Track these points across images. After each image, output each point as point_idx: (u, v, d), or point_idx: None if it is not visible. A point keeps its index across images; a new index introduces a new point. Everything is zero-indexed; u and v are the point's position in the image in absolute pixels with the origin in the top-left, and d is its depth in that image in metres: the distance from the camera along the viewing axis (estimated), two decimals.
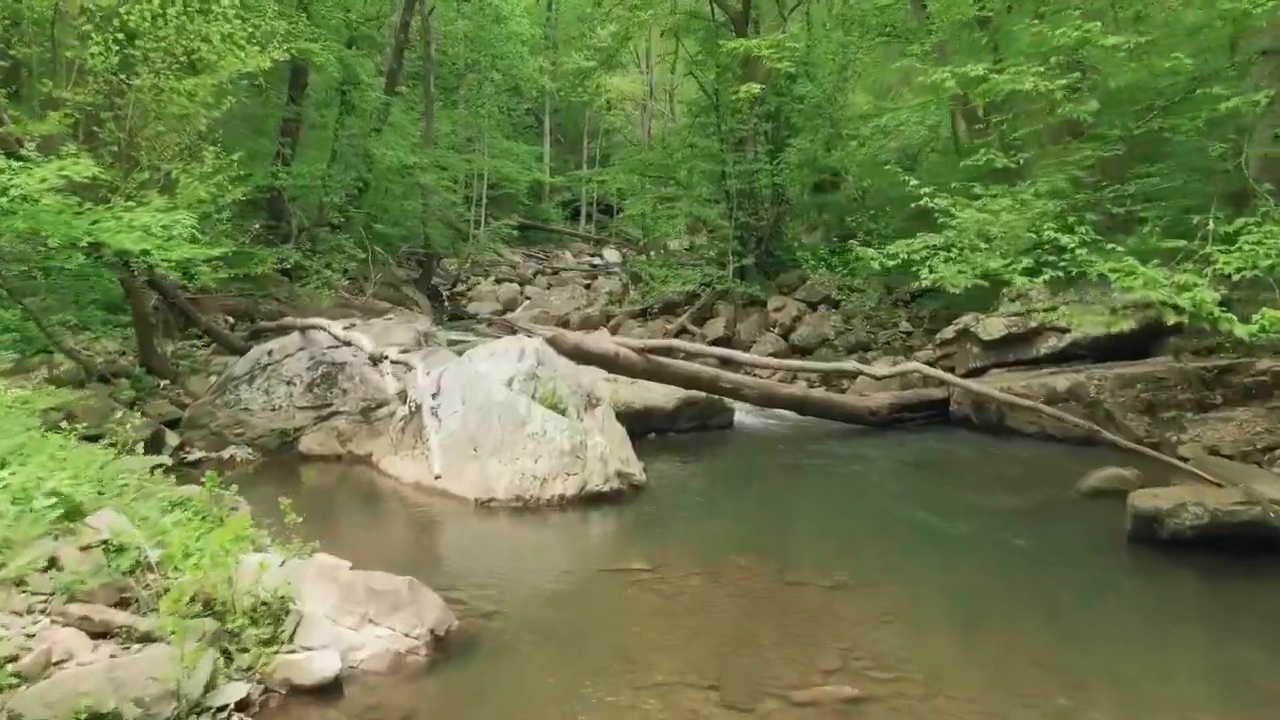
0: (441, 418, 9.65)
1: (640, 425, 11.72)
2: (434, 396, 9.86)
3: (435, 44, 30.18)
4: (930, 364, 14.58)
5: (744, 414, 13.04)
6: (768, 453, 11.89)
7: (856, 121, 18.48)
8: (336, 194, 22.86)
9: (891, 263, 8.65)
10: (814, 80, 19.61)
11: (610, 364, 11.50)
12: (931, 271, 8.50)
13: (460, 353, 11.71)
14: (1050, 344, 12.86)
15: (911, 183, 10.11)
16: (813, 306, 19.21)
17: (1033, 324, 12.89)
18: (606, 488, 8.93)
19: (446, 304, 28.51)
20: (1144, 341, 12.24)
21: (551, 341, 10.77)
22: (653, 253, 30.95)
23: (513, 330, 11.15)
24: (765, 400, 12.52)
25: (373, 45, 26.07)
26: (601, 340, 12.04)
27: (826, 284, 19.23)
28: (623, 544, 8.17)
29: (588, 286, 31.63)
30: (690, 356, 12.28)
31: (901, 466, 11.06)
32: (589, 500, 8.82)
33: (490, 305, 29.82)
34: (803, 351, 18.08)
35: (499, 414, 9.14)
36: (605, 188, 38.36)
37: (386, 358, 9.99)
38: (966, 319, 13.68)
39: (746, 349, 18.57)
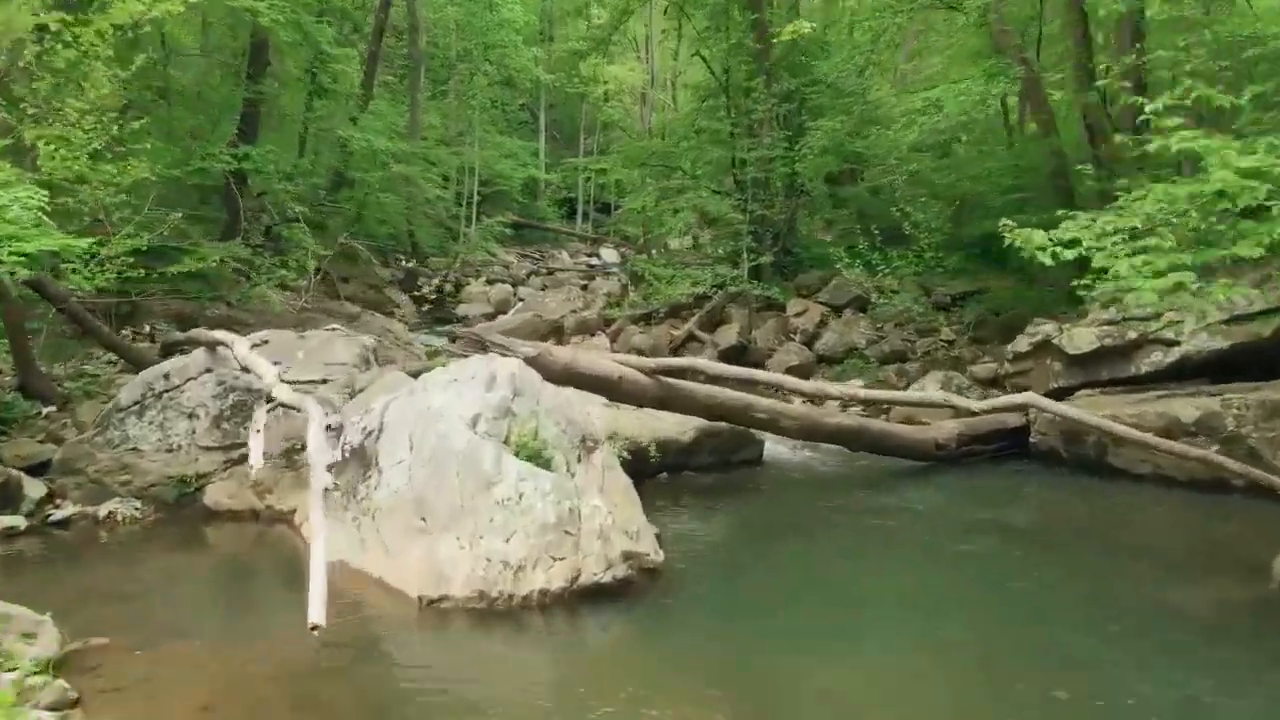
0: (383, 466, 6.77)
1: (648, 464, 8.88)
2: (371, 436, 6.98)
3: (423, 31, 27.28)
4: (996, 380, 11.73)
5: (775, 444, 10.18)
6: (811, 500, 9.02)
7: (891, 101, 15.58)
8: (307, 185, 19.96)
9: (1070, 253, 5.81)
10: (837, 54, 16.73)
11: (612, 389, 8.61)
12: (1114, 275, 5.58)
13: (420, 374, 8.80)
14: (1154, 359, 9.98)
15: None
16: (837, 311, 16.33)
17: (1131, 335, 10.02)
18: (608, 576, 6.02)
19: (431, 306, 25.68)
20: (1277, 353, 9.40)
21: (534, 362, 7.86)
22: (654, 252, 28.11)
23: (482, 346, 8.16)
24: (809, 434, 9.62)
25: (351, 23, 23.17)
26: (600, 360, 9.10)
27: (851, 286, 16.37)
28: (633, 677, 5.22)
29: (584, 287, 28.73)
30: (715, 379, 9.34)
31: (992, 526, 8.15)
32: (583, 596, 5.91)
33: (481, 307, 26.90)
34: (829, 362, 15.20)
35: (458, 468, 6.24)
36: (603, 178, 35.52)
37: (273, 400, 7.09)
38: (1046, 328, 10.79)
39: (766, 359, 15.70)
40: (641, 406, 8.87)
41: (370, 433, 7.04)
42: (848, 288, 16.40)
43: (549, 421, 6.96)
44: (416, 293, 25.88)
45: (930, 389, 11.82)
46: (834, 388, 10.06)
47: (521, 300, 27.64)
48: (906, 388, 13.06)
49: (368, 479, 6.81)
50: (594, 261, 35.04)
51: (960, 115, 12.08)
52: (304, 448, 7.95)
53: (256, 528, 7.75)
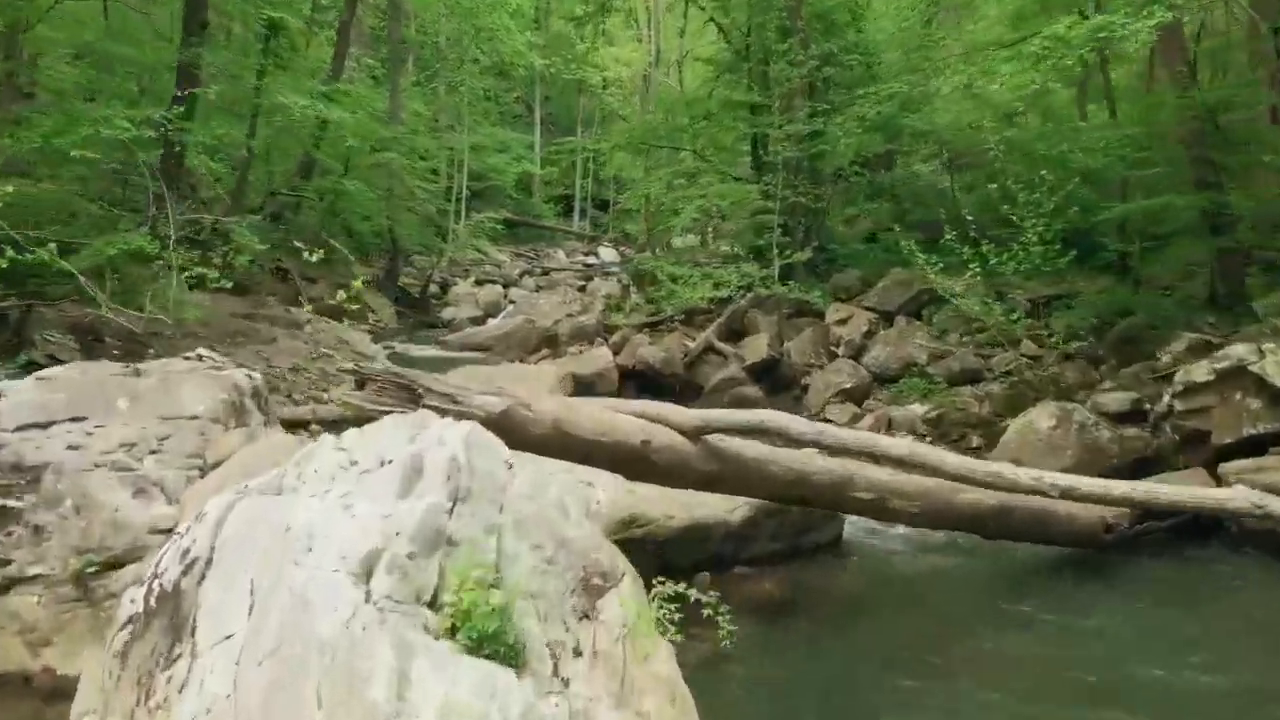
0: (200, 644, 3.35)
1: (684, 553, 5.51)
2: (194, 570, 3.56)
3: (405, 7, 23.79)
4: (1142, 417, 8.32)
5: (855, 522, 6.79)
6: (939, 617, 5.63)
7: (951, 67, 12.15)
8: (262, 170, 16.48)
9: None
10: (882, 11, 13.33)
11: (632, 462, 5.08)
12: None
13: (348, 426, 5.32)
14: None
15: None
16: (887, 318, 12.93)
17: None
18: None
19: (414, 310, 22.23)
20: None
21: (503, 423, 4.44)
22: (657, 250, 24.71)
23: (413, 396, 4.64)
24: (936, 519, 6.12)
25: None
26: (611, 416, 5.41)
27: (899, 288, 12.98)
28: None
29: (582, 289, 25.33)
30: (795, 441, 5.73)
31: (1212, 650, 4.78)
32: None
33: (468, 309, 23.46)
34: (879, 380, 11.82)
35: (321, 681, 2.84)
36: (603, 172, 32.14)
37: None
38: (1239, 350, 7.36)
39: (803, 376, 12.29)
40: (680, 487, 5.40)
41: (192, 563, 3.61)
42: (898, 290, 12.99)
43: (521, 547, 3.52)
44: (399, 294, 22.49)
45: (1042, 424, 8.43)
46: (1013, 471, 5.89)
47: (513, 303, 24.21)
48: (1001, 420, 9.69)
49: (173, 661, 3.38)
50: (592, 261, 31.64)
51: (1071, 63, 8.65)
52: (112, 567, 4.54)
53: (27, 708, 4.33)
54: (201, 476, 4.79)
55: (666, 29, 23.70)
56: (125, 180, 12.88)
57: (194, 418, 5.05)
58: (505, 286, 25.48)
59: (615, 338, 14.13)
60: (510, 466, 3.85)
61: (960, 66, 11.05)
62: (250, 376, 5.73)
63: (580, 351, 15.23)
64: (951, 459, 5.84)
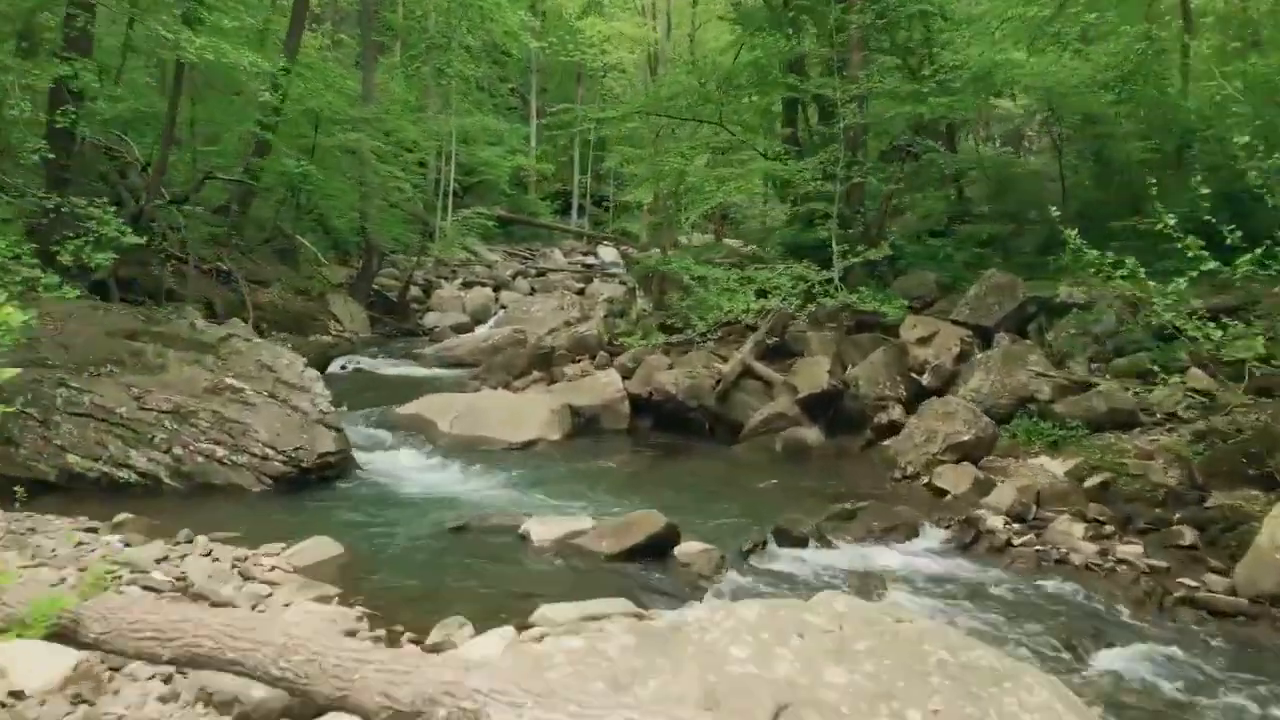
0: None
1: None
2: None
3: None
4: None
5: None
6: None
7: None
8: (186, 152, 12.94)
9: None
10: None
11: None
12: None
13: None
14: None
15: None
16: (983, 335, 9.46)
17: None
18: None
19: (391, 316, 18.72)
20: None
21: None
22: (661, 250, 21.20)
23: None
24: None
25: None
26: None
27: (1000, 294, 9.53)
28: None
29: (581, 292, 21.84)
30: None
31: None
32: None
33: (453, 315, 19.92)
34: (992, 418, 8.31)
35: None
36: (602, 154, 28.65)
37: None
38: None
39: (877, 412, 8.84)
40: None
41: None
42: (997, 299, 9.53)
43: None
44: (375, 297, 18.97)
45: None
46: None
47: (504, 307, 20.65)
48: (1204, 496, 6.26)
49: None
50: (591, 261, 28.13)
51: None
52: None
53: None
54: None
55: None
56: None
57: None
58: (496, 289, 21.97)
59: (625, 357, 10.64)
60: None
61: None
62: None
63: (581, 372, 11.75)
64: None
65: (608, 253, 28.88)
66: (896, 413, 8.86)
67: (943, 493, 6.88)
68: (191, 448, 7.24)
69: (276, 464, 7.28)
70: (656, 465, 8.34)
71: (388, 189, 18.12)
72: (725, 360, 10.43)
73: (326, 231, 21.59)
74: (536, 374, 11.01)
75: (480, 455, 8.57)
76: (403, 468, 8.03)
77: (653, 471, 8.07)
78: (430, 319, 19.52)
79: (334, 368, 13.60)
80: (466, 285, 21.93)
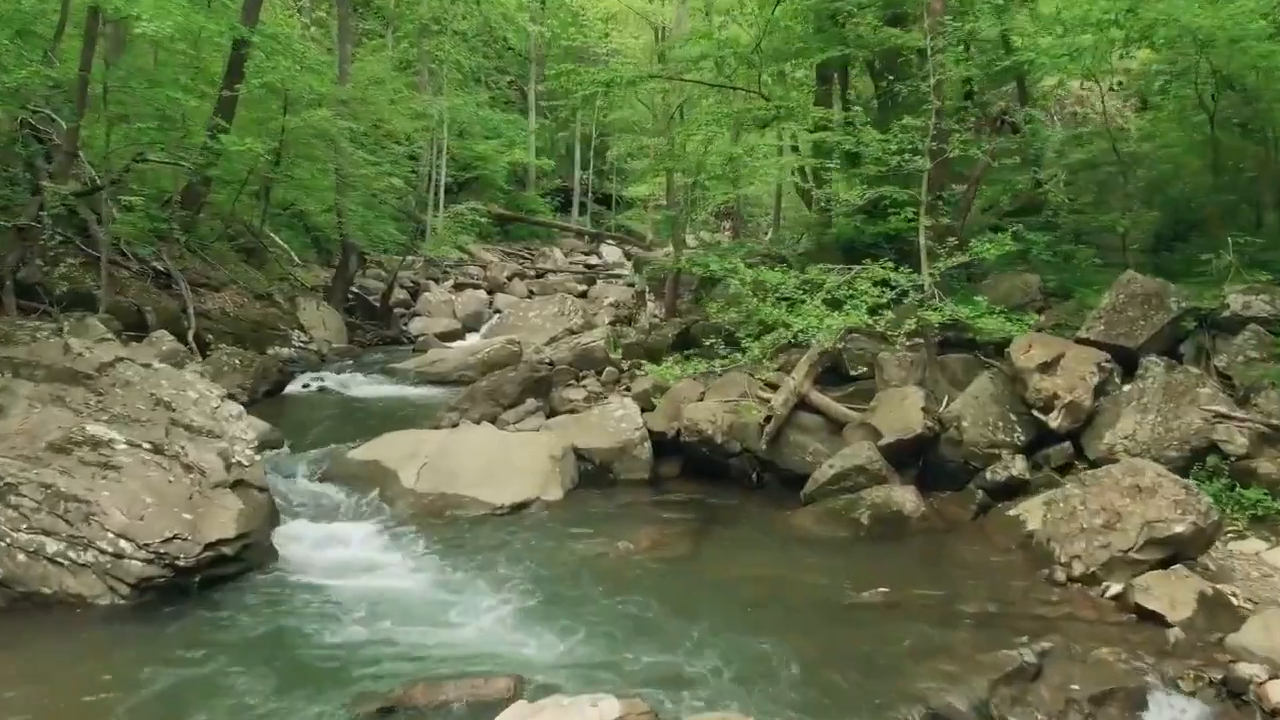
0: None
1: None
2: None
3: None
4: None
5: None
6: None
7: None
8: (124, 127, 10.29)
9: None
10: None
11: None
12: None
13: None
14: None
15: None
16: (1124, 359, 6.83)
17: None
18: None
19: (372, 323, 16.11)
20: None
21: None
22: (665, 252, 18.66)
23: None
24: None
25: None
26: None
27: (1145, 306, 6.95)
28: None
29: (583, 295, 19.31)
30: None
31: None
32: None
33: (443, 321, 17.33)
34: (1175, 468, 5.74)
35: None
36: (603, 162, 26.22)
37: None
38: None
39: (989, 464, 6.30)
40: None
41: None
42: (1141, 311, 6.94)
43: None
44: (351, 303, 16.37)
45: None
46: None
47: (499, 312, 18.02)
48: None
49: None
50: (594, 261, 25.55)
51: None
52: None
53: None
54: None
55: None
56: None
57: None
58: (490, 292, 19.39)
59: (645, 384, 8.03)
60: None
61: None
62: None
63: (587, 397, 9.18)
64: None
65: (611, 252, 26.34)
66: (1017, 466, 6.30)
67: (1151, 616, 4.31)
68: (9, 540, 4.66)
69: (136, 563, 4.70)
70: (698, 547, 5.77)
71: (368, 180, 15.52)
72: (771, 387, 7.87)
73: (308, 229, 19.02)
74: (531, 402, 8.42)
75: (450, 529, 6.01)
76: (337, 557, 5.47)
77: (695, 563, 5.49)
78: (417, 325, 16.93)
79: (295, 386, 11.04)
80: (458, 288, 19.33)
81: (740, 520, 6.40)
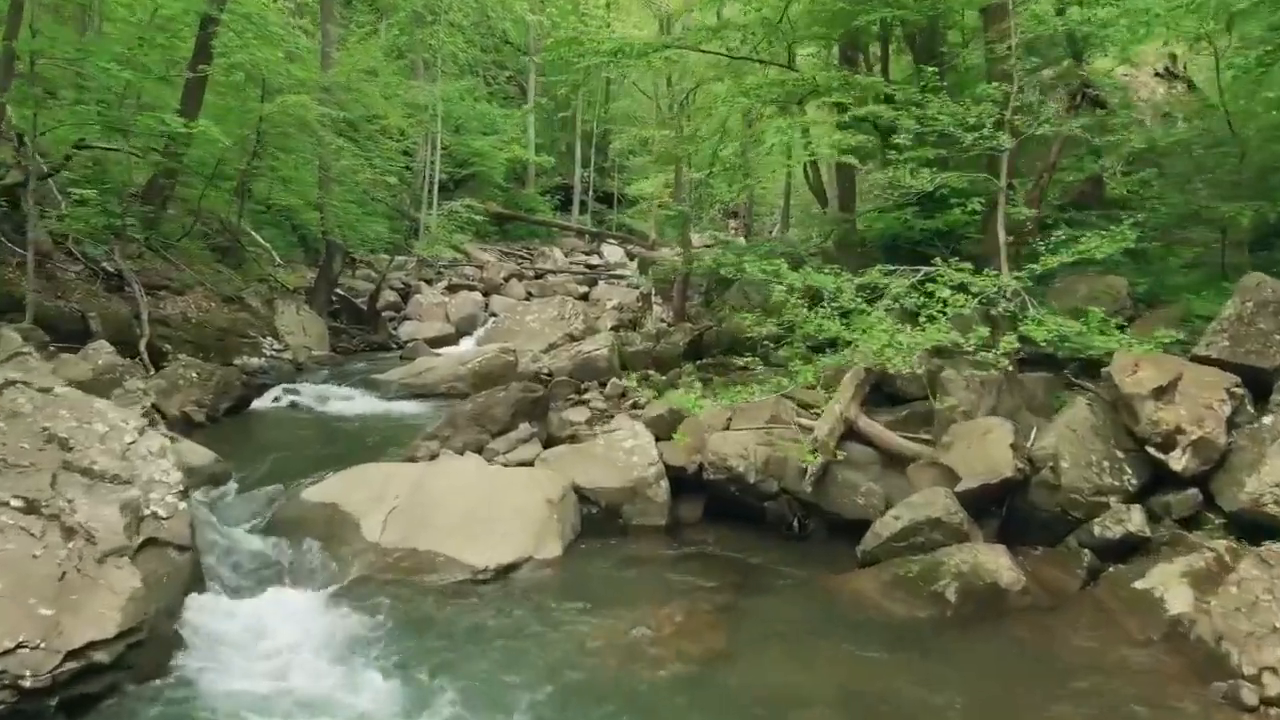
0: None
1: None
2: None
3: None
4: None
5: None
6: None
7: None
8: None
9: None
10: None
11: None
12: None
13: None
14: None
15: None
16: (1252, 383, 5.42)
17: None
18: None
19: (358, 327, 14.69)
20: None
21: None
22: (666, 251, 17.23)
23: None
24: None
25: None
26: None
27: (1272, 319, 5.52)
28: None
29: (584, 297, 17.91)
30: None
31: None
32: None
33: (435, 325, 15.89)
34: None
35: None
36: (605, 160, 24.82)
37: None
38: None
39: (1096, 513, 4.86)
40: None
41: None
42: (1277, 325, 5.51)
43: None
44: (335, 307, 14.97)
45: None
46: None
47: (494, 315, 16.61)
48: None
49: None
50: (595, 261, 24.14)
51: None
52: None
53: None
54: None
55: None
56: None
57: None
58: (486, 294, 17.98)
59: (660, 409, 6.58)
60: None
61: None
62: None
63: (589, 419, 7.76)
64: None
65: (613, 252, 24.95)
66: (1134, 520, 4.90)
67: None
68: None
69: None
70: (734, 634, 4.36)
71: (353, 173, 14.11)
72: (806, 409, 6.46)
73: (294, 227, 17.59)
74: (525, 428, 6.99)
75: (417, 602, 4.61)
76: (263, 651, 4.05)
77: (732, 663, 4.06)
78: (406, 330, 15.52)
79: (264, 401, 9.62)
80: (452, 289, 17.92)
81: (784, 587, 4.98)
